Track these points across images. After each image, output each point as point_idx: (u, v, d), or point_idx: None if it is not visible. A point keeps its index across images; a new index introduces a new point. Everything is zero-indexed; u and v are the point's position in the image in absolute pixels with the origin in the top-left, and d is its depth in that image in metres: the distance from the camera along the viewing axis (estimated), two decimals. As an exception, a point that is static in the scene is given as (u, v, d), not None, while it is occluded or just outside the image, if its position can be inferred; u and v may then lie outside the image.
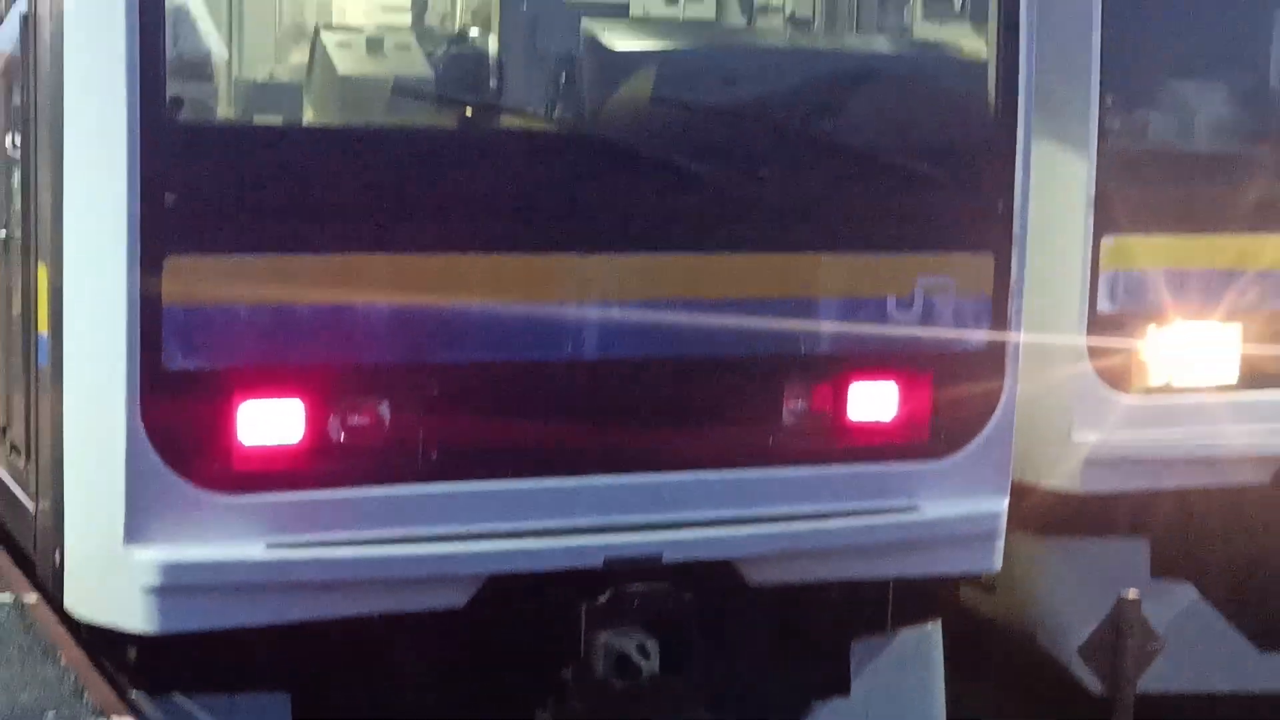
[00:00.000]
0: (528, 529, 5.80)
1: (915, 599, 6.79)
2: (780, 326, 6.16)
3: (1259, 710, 9.32)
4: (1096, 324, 8.26)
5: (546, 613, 5.85)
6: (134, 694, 5.39)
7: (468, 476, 5.77)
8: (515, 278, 5.83)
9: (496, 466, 5.79)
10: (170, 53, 5.44)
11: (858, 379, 6.34)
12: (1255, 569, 8.83)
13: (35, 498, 5.99)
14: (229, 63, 6.03)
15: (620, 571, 5.89)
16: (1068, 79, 7.87)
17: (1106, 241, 8.24)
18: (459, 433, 5.75)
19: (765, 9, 7.12)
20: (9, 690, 5.08)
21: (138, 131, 5.26)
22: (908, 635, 6.87)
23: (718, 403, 6.15)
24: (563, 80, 6.48)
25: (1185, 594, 8.71)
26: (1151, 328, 8.39)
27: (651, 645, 5.86)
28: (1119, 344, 8.31)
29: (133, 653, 5.54)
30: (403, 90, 6.17)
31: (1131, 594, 7.58)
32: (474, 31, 6.72)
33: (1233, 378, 8.53)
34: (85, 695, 5.06)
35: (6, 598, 5.92)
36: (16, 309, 6.17)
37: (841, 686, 6.73)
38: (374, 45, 6.41)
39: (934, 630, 6.97)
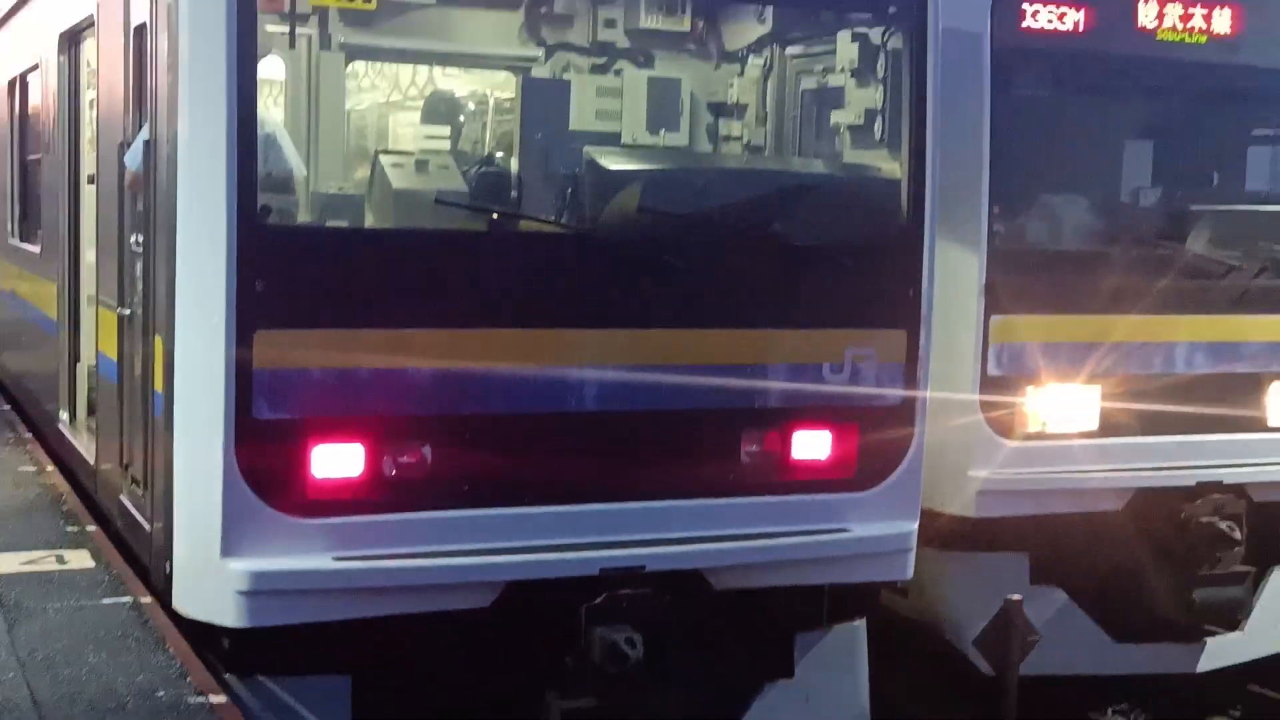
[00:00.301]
0: (539, 545, 5.76)
1: (845, 601, 6.75)
2: (739, 386, 6.15)
3: (1114, 689, 9.31)
4: (987, 385, 8.25)
5: (554, 611, 5.79)
6: (227, 676, 5.33)
7: (492, 504, 5.74)
8: (530, 348, 5.81)
9: (515, 496, 5.76)
10: (260, 171, 5.44)
11: (800, 428, 6.30)
12: (1112, 578, 8.80)
13: (150, 520, 5.95)
14: (306, 179, 6.03)
15: (612, 579, 5.84)
16: (963, 194, 7.89)
17: (995, 320, 8.24)
18: (486, 469, 5.71)
19: (727, 138, 7.13)
20: (128, 673, 5.02)
21: (235, 233, 5.27)
22: (840, 629, 6.83)
23: (689, 446, 6.12)
24: (568, 193, 6.50)
25: (1057, 598, 8.67)
26: (1030, 388, 8.38)
27: (637, 638, 5.79)
28: (1004, 400, 8.31)
29: (226, 643, 5.49)
30: (443, 201, 6.17)
31: (1015, 597, 7.59)
32: (499, 154, 6.73)
33: (1093, 426, 8.52)
34: (188, 678, 5.02)
35: (126, 599, 5.86)
36: (137, 371, 6.16)
37: (787, 670, 6.67)
38: (421, 165, 6.43)
39: (860, 625, 6.93)
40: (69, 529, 6.96)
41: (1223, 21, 8.71)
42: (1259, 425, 8.93)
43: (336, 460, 5.52)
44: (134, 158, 6.13)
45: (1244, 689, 9.59)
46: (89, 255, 7.53)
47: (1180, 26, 8.61)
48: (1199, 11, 8.61)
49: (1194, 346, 8.75)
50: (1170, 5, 8.59)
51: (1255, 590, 9.16)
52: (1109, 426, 8.52)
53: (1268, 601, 9.24)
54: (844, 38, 6.77)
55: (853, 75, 6.80)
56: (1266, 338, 8.92)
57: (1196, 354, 8.75)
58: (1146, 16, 8.54)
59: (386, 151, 6.50)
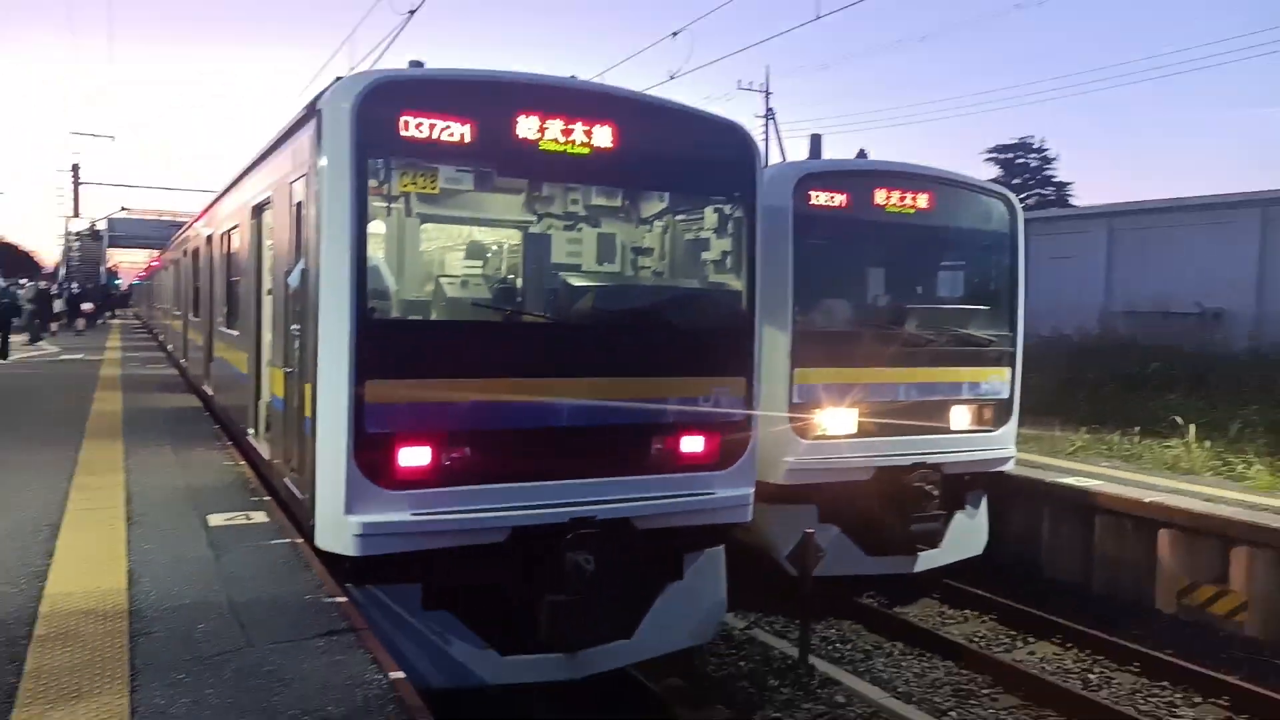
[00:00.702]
0: (535, 504, 5.68)
1: (713, 534, 6.69)
2: (651, 410, 6.11)
3: (867, 583, 9.32)
4: (792, 408, 8.32)
5: (543, 544, 5.70)
6: (348, 585, 5.17)
7: (507, 481, 5.65)
8: (527, 389, 5.75)
9: (519, 476, 5.68)
10: (369, 287, 5.38)
11: (686, 434, 6.27)
12: (865, 519, 8.86)
13: (303, 492, 5.81)
14: (395, 291, 5.97)
15: (578, 524, 5.76)
16: (777, 299, 7.96)
17: (796, 371, 8.33)
18: (501, 461, 5.64)
19: (643, 267, 7.17)
20: (288, 585, 4.91)
21: (354, 323, 5.24)
22: (710, 552, 6.78)
23: (622, 446, 6.06)
24: (550, 299, 6.48)
25: (834, 531, 8.73)
26: (816, 410, 8.45)
27: (591, 559, 5.75)
28: (802, 417, 8.37)
29: (348, 564, 5.36)
30: (477, 304, 6.14)
31: (810, 531, 7.60)
32: (510, 277, 6.71)
33: (854, 431, 8.60)
34: (323, 586, 4.90)
35: (287, 540, 5.76)
36: (295, 405, 6.04)
37: (679, 575, 6.62)
38: (464, 283, 6.40)
39: (721, 549, 6.87)
40: (252, 499, 6.80)
41: (923, 200, 8.90)
42: (946, 430, 9.06)
43: (413, 456, 5.43)
44: (294, 279, 6.04)
45: (941, 581, 9.63)
46: (267, 336, 7.37)
47: (900, 203, 8.78)
48: (910, 195, 8.79)
49: (910, 385, 8.88)
50: (893, 193, 8.76)
51: (946, 525, 9.25)
52: (862, 431, 8.61)
53: (953, 532, 9.37)
54: (710, 210, 6.83)
55: (714, 231, 6.88)
56: (947, 380, 9.08)
57: (911, 390, 8.87)
58: (880, 199, 8.69)
59: (444, 275, 6.45)
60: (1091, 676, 7.77)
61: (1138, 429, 12.54)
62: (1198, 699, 7.25)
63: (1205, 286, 20.91)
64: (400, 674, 3.81)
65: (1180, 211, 22.72)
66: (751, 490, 6.58)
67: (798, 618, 7.66)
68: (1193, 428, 11.83)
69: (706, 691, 7.08)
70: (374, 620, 5.09)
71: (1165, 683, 7.53)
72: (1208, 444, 11.52)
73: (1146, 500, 9.13)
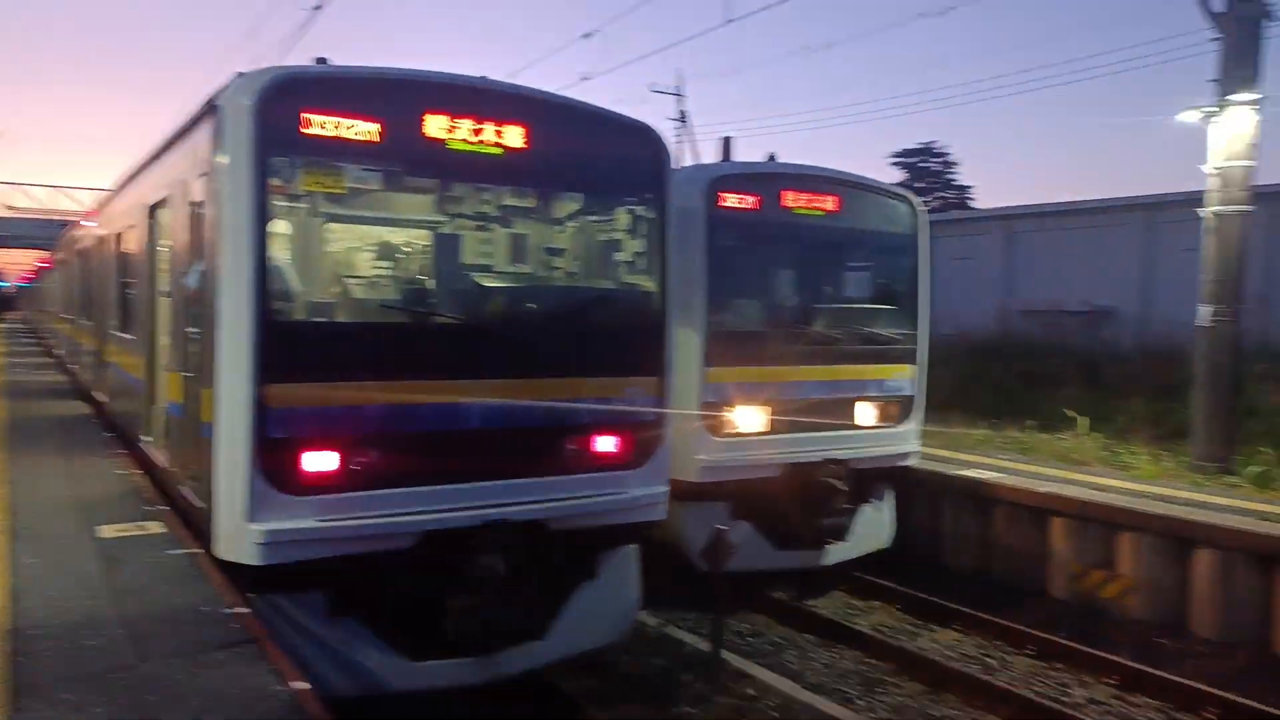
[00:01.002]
0: (445, 507, 5.58)
1: (627, 533, 6.69)
2: (564, 410, 6.06)
3: (777, 579, 9.42)
4: (704, 406, 8.41)
5: (452, 549, 5.59)
6: (250, 595, 5.01)
7: (416, 485, 5.53)
8: (437, 391, 5.64)
9: (428, 480, 5.57)
10: (270, 289, 5.21)
11: (599, 434, 6.26)
12: (775, 514, 9.01)
13: (202, 500, 5.60)
14: (299, 292, 5.78)
15: (490, 527, 5.68)
16: (691, 300, 8.03)
17: (708, 370, 8.41)
18: (409, 465, 5.51)
19: (555, 268, 7.08)
20: (184, 596, 4.76)
21: (254, 326, 5.10)
22: (623, 550, 6.79)
23: (535, 447, 6.01)
24: (461, 300, 6.37)
25: (745, 527, 8.85)
26: (727, 408, 8.55)
27: (502, 561, 5.70)
28: (714, 415, 8.46)
29: (249, 575, 5.17)
30: (385, 305, 6.01)
31: (722, 527, 7.67)
32: (420, 277, 6.58)
33: (763, 428, 8.73)
34: (223, 597, 4.74)
35: (184, 551, 5.55)
36: (193, 410, 5.80)
37: (594, 574, 6.61)
38: (373, 284, 6.24)
39: (635, 547, 6.89)
40: (148, 508, 6.54)
41: (831, 203, 9.10)
42: (852, 426, 9.28)
43: (318, 461, 5.27)
44: (193, 281, 5.81)
45: (849, 575, 9.85)
46: (163, 340, 7.08)
47: (809, 205, 8.96)
48: (818, 197, 8.98)
49: (818, 383, 9.06)
50: (801, 196, 8.93)
51: (854, 519, 9.47)
52: (772, 429, 8.76)
53: (860, 526, 9.62)
54: (622, 212, 6.83)
55: (627, 232, 6.87)
56: (854, 378, 9.30)
57: (820, 388, 9.06)
58: (789, 201, 8.86)
59: (350, 276, 6.28)
60: (991, 660, 8.09)
61: (1033, 422, 13.10)
62: (1088, 678, 7.63)
63: (1095, 286, 21.99)
64: (304, 684, 3.71)
65: (1072, 214, 23.84)
66: (665, 489, 6.61)
67: (710, 613, 7.74)
68: (1085, 421, 12.43)
69: (620, 690, 7.10)
70: (277, 630, 4.95)
71: (1060, 664, 7.90)
72: (1098, 436, 12.11)
73: (1040, 490, 9.55)
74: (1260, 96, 10.21)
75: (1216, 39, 10.43)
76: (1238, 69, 10.32)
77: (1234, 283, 10.56)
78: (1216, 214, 10.53)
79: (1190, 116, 10.67)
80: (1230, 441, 10.67)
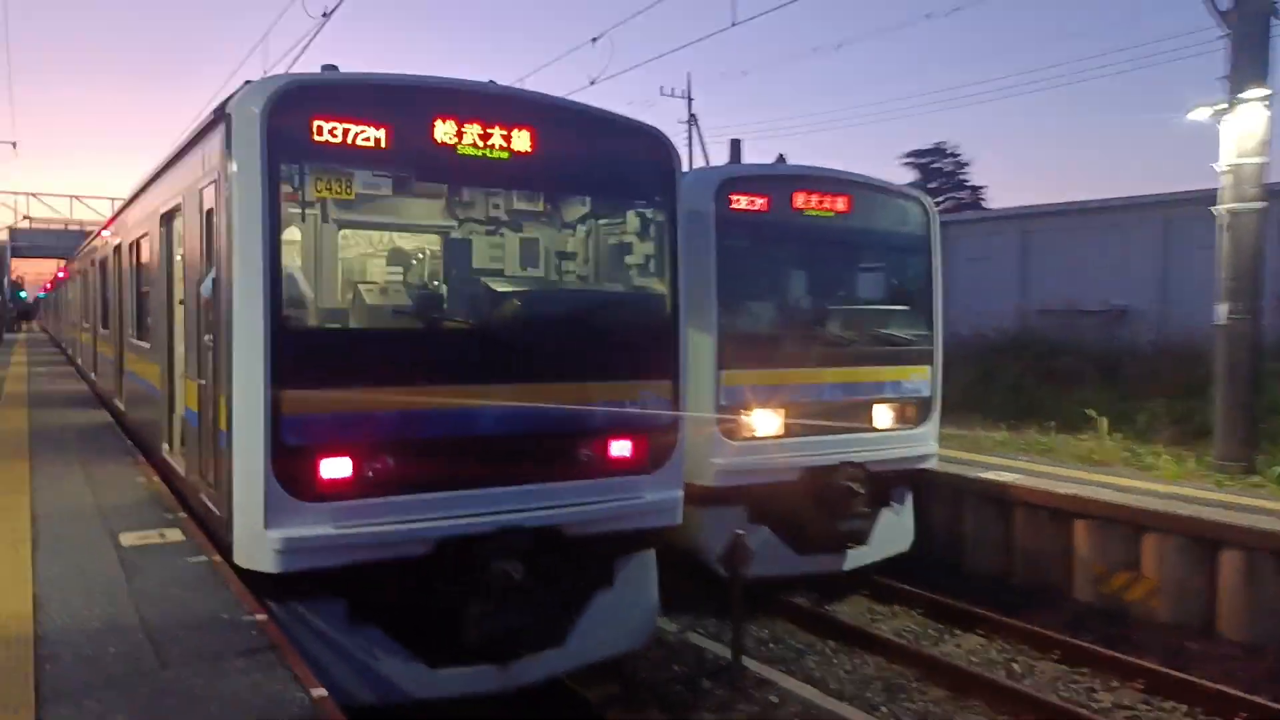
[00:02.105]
0: (461, 513, 5.60)
1: (642, 538, 6.69)
2: (578, 414, 6.09)
3: (798, 583, 9.44)
4: (720, 409, 8.41)
5: (468, 555, 5.61)
6: (269, 602, 5.04)
7: (431, 490, 5.56)
8: (451, 396, 5.67)
9: (444, 486, 5.60)
10: (284, 296, 5.27)
11: (614, 439, 6.27)
12: (795, 518, 8.98)
13: (220, 508, 5.65)
14: (311, 299, 5.84)
15: (506, 533, 5.70)
16: (702, 302, 8.05)
17: (723, 373, 8.42)
18: (425, 471, 5.55)
19: (567, 272, 7.14)
20: (204, 603, 4.78)
21: (269, 333, 5.14)
22: (640, 555, 6.79)
23: (550, 452, 6.02)
24: (473, 305, 6.41)
25: (764, 531, 8.82)
26: (743, 411, 8.55)
27: (520, 566, 5.70)
28: (729, 419, 8.46)
29: (267, 582, 5.21)
30: (399, 310, 6.04)
31: (739, 532, 7.65)
32: (432, 283, 6.63)
33: (781, 432, 8.72)
34: (243, 604, 4.77)
35: (204, 558, 5.58)
36: (210, 418, 5.87)
37: (610, 582, 6.61)
38: (385, 290, 6.29)
39: (652, 553, 6.90)
40: (167, 516, 6.59)
41: (842, 204, 9.10)
42: (870, 428, 9.26)
43: (334, 468, 5.32)
44: (206, 289, 5.88)
45: (870, 579, 9.81)
46: (179, 348, 7.16)
47: (819, 207, 8.96)
48: (829, 199, 8.99)
49: (834, 385, 9.06)
50: (812, 197, 8.93)
51: (873, 522, 9.43)
52: (789, 432, 8.74)
53: (880, 529, 9.57)
54: (631, 215, 6.87)
55: (637, 235, 6.92)
56: (870, 379, 9.28)
57: (836, 390, 9.05)
58: (800, 202, 8.88)
59: (363, 282, 6.33)
60: (1015, 665, 8.02)
61: (1054, 423, 13.01)
62: (1115, 683, 7.55)
63: (1113, 285, 21.84)
64: (323, 691, 3.73)
65: (1088, 214, 23.70)
66: (680, 493, 6.62)
67: (730, 619, 7.73)
68: (1105, 422, 12.34)
69: (640, 697, 7.09)
70: (297, 637, 4.97)
71: (1085, 669, 7.82)
72: (1119, 436, 12.02)
73: (1062, 492, 9.49)
74: (1270, 93, 10.13)
75: (1224, 35, 10.38)
76: (1247, 65, 10.26)
77: (1250, 280, 10.46)
78: (1230, 211, 10.45)
79: (1201, 114, 10.59)
80: (1253, 441, 10.57)
